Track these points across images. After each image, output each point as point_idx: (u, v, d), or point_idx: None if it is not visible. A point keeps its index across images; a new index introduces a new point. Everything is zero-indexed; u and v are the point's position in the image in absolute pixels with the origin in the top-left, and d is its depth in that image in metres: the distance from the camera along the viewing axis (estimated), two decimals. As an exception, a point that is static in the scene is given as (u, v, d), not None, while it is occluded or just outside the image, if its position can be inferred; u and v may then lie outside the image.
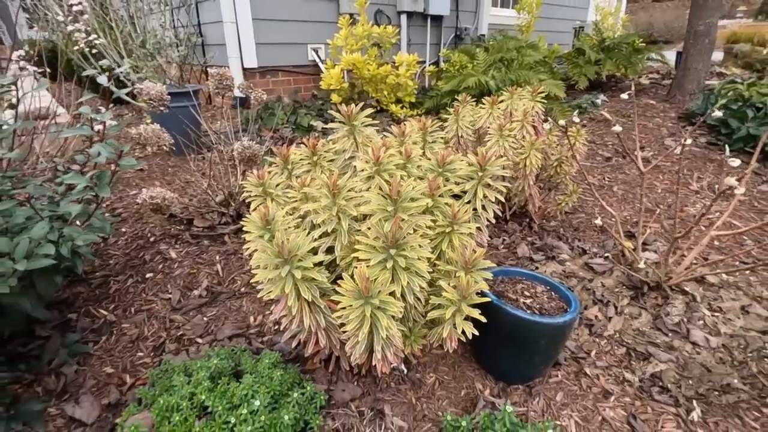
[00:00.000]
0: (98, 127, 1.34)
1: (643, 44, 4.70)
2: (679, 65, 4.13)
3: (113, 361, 1.42)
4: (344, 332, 1.02)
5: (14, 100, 1.25)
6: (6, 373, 1.26)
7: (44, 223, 1.03)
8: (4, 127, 1.17)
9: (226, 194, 2.13)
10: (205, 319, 1.60)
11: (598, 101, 4.25)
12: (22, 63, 1.65)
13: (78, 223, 1.20)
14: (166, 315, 1.61)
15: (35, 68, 1.69)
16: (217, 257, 1.92)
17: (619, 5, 6.52)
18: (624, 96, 1.66)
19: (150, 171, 2.81)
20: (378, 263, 0.98)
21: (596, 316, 1.69)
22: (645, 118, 3.84)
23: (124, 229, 2.10)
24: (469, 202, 1.26)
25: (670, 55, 5.57)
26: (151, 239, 2.02)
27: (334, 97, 3.85)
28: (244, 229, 1.08)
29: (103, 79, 1.21)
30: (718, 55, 6.52)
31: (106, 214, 1.96)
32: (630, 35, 4.78)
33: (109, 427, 1.19)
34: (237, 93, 2.14)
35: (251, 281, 1.07)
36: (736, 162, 1.24)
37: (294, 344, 1.23)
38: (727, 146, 1.65)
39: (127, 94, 1.54)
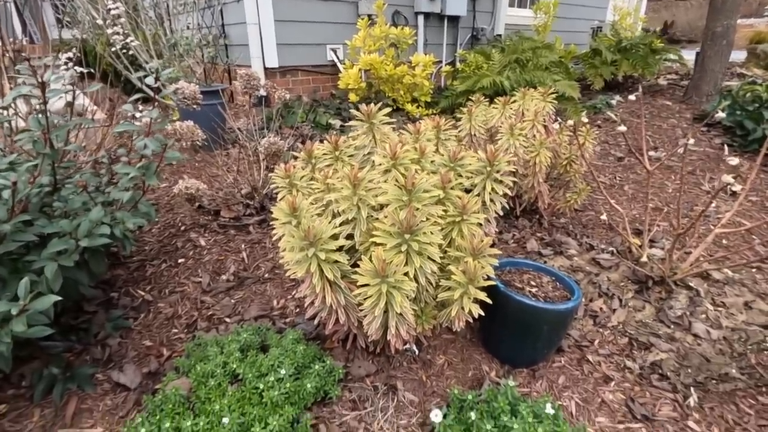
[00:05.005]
0: (141, 122, 1.49)
1: (661, 45, 4.68)
2: (696, 66, 4.12)
3: (151, 335, 1.57)
4: (362, 310, 1.13)
5: (69, 99, 1.40)
6: (60, 342, 1.41)
7: (99, 208, 1.17)
8: (62, 123, 1.32)
9: (250, 187, 2.27)
10: (232, 301, 1.74)
11: (614, 102, 4.27)
12: (69, 64, 1.82)
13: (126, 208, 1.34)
14: (198, 296, 1.75)
15: (81, 69, 1.85)
16: (243, 245, 2.06)
17: (638, 5, 6.46)
18: (632, 98, 1.73)
19: (178, 165, 2.97)
20: (393, 247, 1.09)
21: (601, 308, 1.76)
22: (660, 119, 3.85)
23: (156, 219, 2.26)
24: (478, 195, 1.35)
25: (690, 55, 5.51)
26: (182, 228, 2.18)
27: (352, 97, 3.98)
28: (272, 215, 1.19)
29: (150, 80, 1.35)
30: (741, 55, 6.40)
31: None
32: (648, 36, 4.77)
33: (150, 391, 1.33)
34: (260, 92, 2.27)
35: (279, 262, 1.19)
36: (735, 161, 1.31)
37: (315, 322, 1.35)
38: (726, 146, 1.70)
39: (157, 92, 1.68)
